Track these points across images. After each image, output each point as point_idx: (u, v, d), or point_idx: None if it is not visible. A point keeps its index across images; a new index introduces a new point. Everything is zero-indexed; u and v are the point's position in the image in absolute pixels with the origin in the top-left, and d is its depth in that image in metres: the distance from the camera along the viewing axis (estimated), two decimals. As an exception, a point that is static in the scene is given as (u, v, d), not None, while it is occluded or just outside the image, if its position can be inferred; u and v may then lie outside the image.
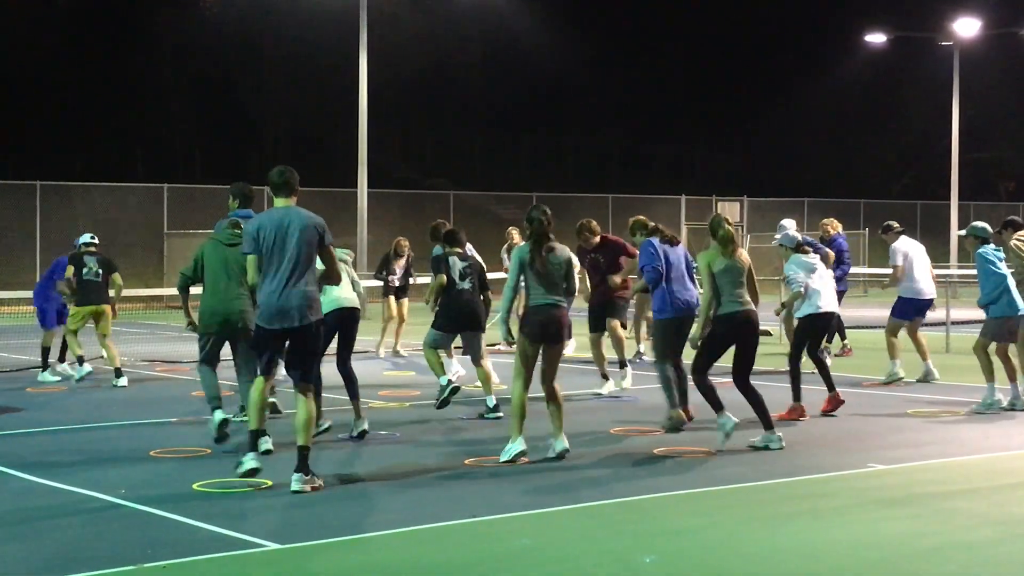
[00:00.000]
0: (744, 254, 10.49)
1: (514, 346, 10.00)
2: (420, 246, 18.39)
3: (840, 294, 14.69)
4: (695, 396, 10.78)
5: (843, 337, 17.46)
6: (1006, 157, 57.50)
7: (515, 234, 19.45)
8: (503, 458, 9.67)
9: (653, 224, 12.22)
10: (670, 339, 11.36)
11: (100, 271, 14.77)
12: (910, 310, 14.77)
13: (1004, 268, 12.61)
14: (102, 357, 15.15)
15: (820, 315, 12.30)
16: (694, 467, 9.61)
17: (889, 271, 15.20)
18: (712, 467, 9.59)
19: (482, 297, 12.32)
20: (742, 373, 10.37)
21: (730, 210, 37.34)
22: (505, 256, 19.72)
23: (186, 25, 49.03)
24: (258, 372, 9.09)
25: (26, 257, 31.01)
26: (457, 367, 14.72)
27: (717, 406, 10.20)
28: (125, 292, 15.86)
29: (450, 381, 11.88)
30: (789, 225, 14.36)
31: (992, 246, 12.74)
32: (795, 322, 12.64)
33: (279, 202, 8.98)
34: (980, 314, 12.99)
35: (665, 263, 11.42)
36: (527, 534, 7.55)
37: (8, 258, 31.58)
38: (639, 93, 57.26)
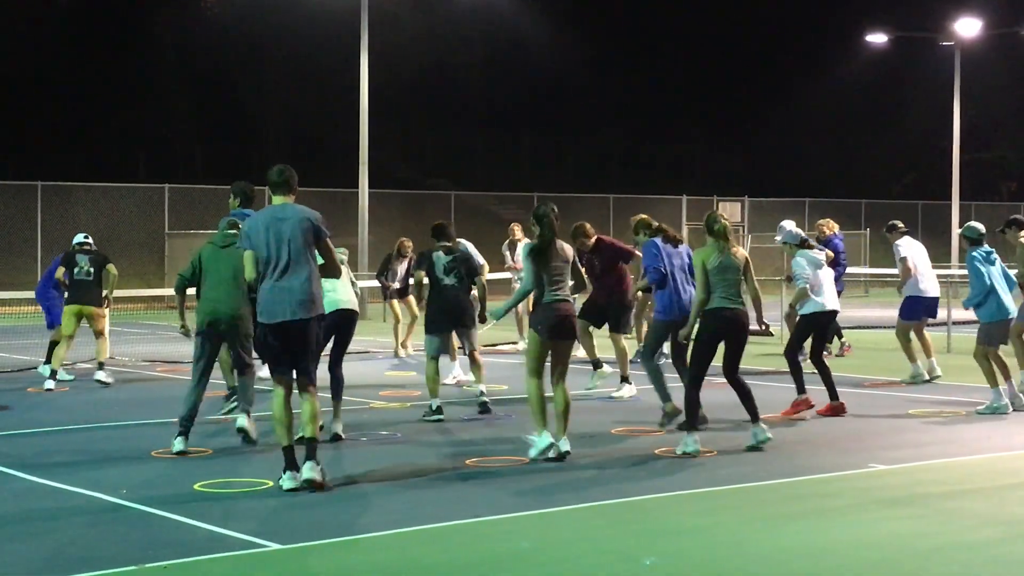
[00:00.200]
0: (741, 251, 10.39)
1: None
2: (421, 246, 18.29)
3: (837, 294, 14.69)
4: (704, 395, 10.61)
5: (840, 336, 17.46)
6: (1007, 157, 57.48)
7: (517, 230, 19.42)
8: (532, 454, 9.68)
9: (657, 224, 12.16)
10: (663, 340, 11.34)
11: (92, 270, 14.73)
12: (919, 310, 14.77)
13: (995, 272, 12.53)
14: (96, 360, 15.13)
15: (824, 313, 12.31)
16: (695, 467, 9.60)
17: (894, 271, 15.20)
18: (713, 467, 9.58)
19: (472, 284, 12.23)
20: (731, 368, 10.34)
21: (731, 210, 37.33)
22: (508, 253, 19.65)
23: (187, 25, 49.05)
24: (272, 380, 9.05)
25: (27, 257, 31.00)
26: (458, 371, 14.71)
27: (692, 425, 10.12)
28: (127, 292, 15.88)
29: (440, 408, 11.88)
30: (788, 225, 14.34)
31: (984, 248, 12.70)
32: (798, 319, 12.59)
33: (277, 200, 9.01)
34: (981, 315, 12.97)
35: (668, 264, 11.40)
36: (527, 534, 7.55)
37: (9, 258, 31.57)
38: (640, 93, 57.24)
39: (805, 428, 11.42)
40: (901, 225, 15.23)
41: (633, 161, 58.41)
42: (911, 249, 14.87)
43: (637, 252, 12.67)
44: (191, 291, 10.80)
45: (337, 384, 10.93)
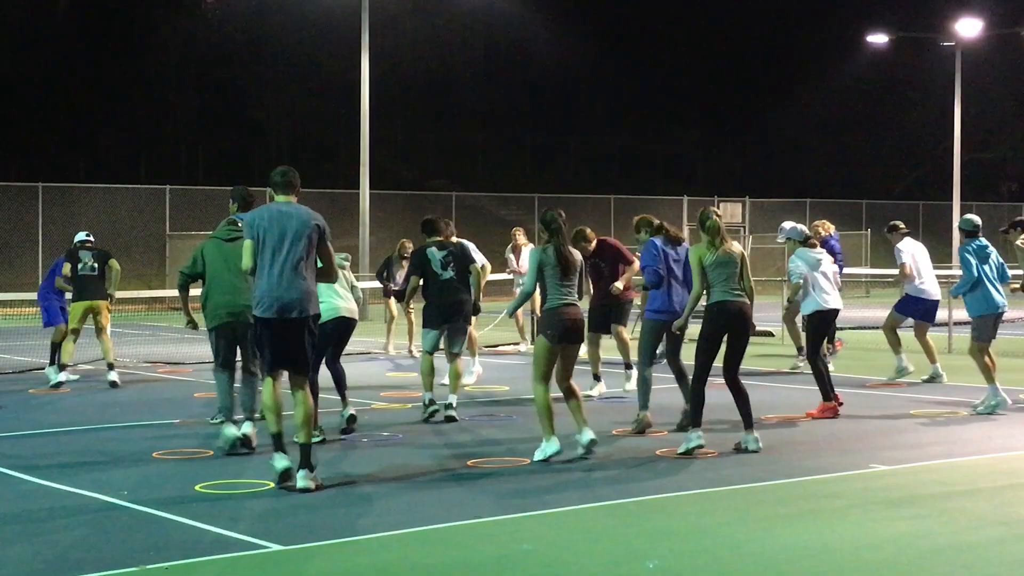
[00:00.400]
0: (736, 245, 10.35)
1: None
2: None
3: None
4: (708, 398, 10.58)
5: (832, 338, 17.46)
6: (1008, 157, 57.50)
7: (519, 235, 19.39)
8: (537, 457, 9.68)
9: (659, 222, 12.16)
10: (659, 341, 11.34)
11: (96, 265, 14.81)
12: (917, 309, 14.79)
13: (988, 266, 12.57)
14: (105, 361, 15.14)
15: (827, 311, 12.33)
16: (696, 468, 9.60)
17: (895, 271, 15.21)
18: (714, 468, 9.58)
19: (469, 273, 12.18)
20: (732, 368, 10.33)
21: (732, 210, 37.33)
22: (511, 256, 19.62)
23: (188, 27, 49.07)
24: (264, 372, 9.08)
25: (28, 259, 31.03)
26: (476, 366, 14.75)
27: (697, 422, 10.12)
28: (128, 293, 15.90)
29: (432, 400, 11.87)
30: (790, 225, 14.36)
31: (979, 241, 12.72)
32: (801, 320, 12.62)
33: (280, 199, 9.03)
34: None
35: (666, 264, 11.39)
36: (529, 536, 7.55)
37: (10, 259, 31.60)
38: (641, 94, 57.28)
39: (806, 428, 11.42)
40: (902, 226, 15.23)
41: (634, 162, 58.45)
42: (912, 252, 14.85)
43: (636, 258, 12.73)
44: (194, 292, 10.81)
45: (339, 376, 11.12)
